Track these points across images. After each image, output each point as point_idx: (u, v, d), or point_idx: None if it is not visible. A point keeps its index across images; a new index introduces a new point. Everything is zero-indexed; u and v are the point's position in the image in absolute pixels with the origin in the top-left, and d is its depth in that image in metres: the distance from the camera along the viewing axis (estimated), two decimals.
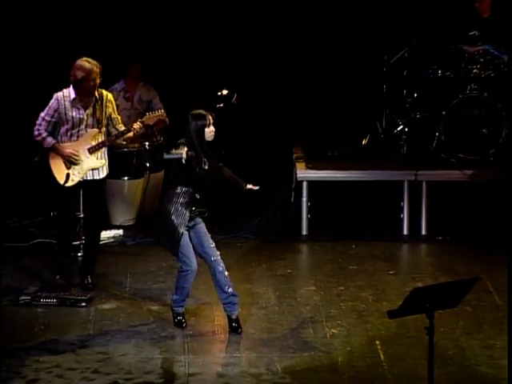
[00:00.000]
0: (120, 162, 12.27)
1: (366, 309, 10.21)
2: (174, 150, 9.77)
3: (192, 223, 9.59)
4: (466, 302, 8.30)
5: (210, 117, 9.54)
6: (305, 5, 13.71)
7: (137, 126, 10.39)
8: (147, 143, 12.38)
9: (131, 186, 12.54)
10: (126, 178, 12.51)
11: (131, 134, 10.47)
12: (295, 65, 13.63)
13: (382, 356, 9.19)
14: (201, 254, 9.63)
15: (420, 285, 8.60)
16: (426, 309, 7.66)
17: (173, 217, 9.49)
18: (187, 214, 9.53)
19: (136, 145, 12.38)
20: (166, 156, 10.10)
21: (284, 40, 13.76)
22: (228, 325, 9.71)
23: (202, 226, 9.64)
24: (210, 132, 9.50)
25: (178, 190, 9.57)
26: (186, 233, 9.52)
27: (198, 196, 9.56)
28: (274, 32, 13.75)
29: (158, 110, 11.75)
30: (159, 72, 13.20)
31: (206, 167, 9.55)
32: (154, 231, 10.18)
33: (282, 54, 13.68)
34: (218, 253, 9.59)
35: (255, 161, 10.60)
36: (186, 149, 9.52)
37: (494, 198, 12.39)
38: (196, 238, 9.61)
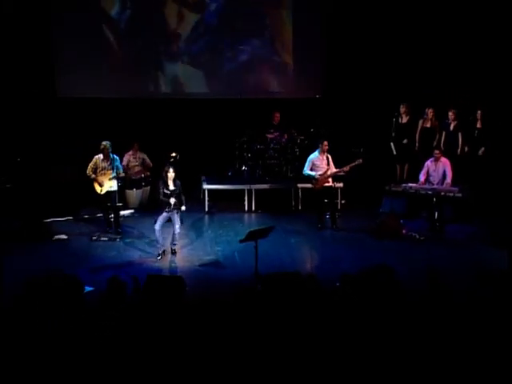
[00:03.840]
0: (133, 182, 11.93)
1: (230, 240, 10.00)
2: None
3: (171, 213, 9.17)
4: (272, 234, 8.14)
5: (171, 168, 9.19)
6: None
7: (121, 174, 10.26)
8: (143, 174, 11.98)
9: (137, 192, 12.00)
10: (135, 189, 11.97)
11: (122, 175, 10.31)
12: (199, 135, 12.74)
13: (237, 258, 9.13)
14: (172, 226, 9.26)
15: (252, 229, 8.44)
16: (255, 238, 7.76)
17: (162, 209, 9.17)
18: (166, 209, 9.12)
19: (139, 175, 12.01)
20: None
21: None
22: (171, 251, 9.39)
23: (176, 216, 9.19)
24: (170, 174, 9.17)
25: (162, 198, 9.15)
26: (165, 215, 9.15)
27: (171, 200, 9.07)
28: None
29: (147, 164, 11.93)
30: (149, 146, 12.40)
31: (172, 188, 9.15)
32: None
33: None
34: (178, 230, 9.24)
35: (186, 180, 10.02)
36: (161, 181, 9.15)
37: (280, 195, 12.00)
38: (173, 220, 9.19)
